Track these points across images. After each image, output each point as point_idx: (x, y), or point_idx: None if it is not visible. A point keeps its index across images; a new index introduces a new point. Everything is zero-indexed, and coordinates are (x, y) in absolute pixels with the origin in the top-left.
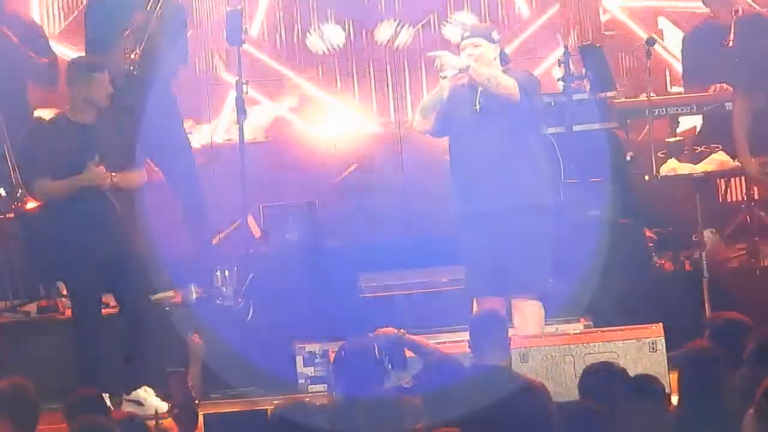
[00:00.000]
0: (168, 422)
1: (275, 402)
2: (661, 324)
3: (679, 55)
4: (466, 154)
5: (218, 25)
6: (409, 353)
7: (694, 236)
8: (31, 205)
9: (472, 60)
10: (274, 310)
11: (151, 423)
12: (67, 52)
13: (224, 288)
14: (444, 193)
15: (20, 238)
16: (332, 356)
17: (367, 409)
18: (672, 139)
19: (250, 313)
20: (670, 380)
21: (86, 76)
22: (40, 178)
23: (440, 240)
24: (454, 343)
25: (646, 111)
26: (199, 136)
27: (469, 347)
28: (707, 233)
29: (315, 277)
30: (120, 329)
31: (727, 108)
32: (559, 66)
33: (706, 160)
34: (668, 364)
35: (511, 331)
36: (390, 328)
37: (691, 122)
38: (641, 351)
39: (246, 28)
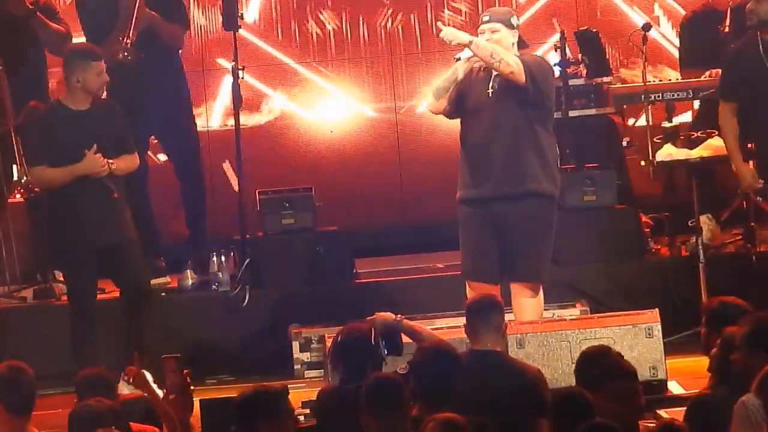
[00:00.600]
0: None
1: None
2: (657, 309)
3: (674, 40)
4: (477, 138)
5: (214, 11)
6: (406, 339)
7: (690, 222)
8: (32, 194)
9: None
10: (269, 295)
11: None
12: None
13: (220, 273)
14: (439, 178)
15: (30, 223)
16: (328, 341)
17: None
18: (668, 125)
19: (246, 298)
20: (666, 366)
21: (83, 65)
22: (37, 165)
23: (436, 225)
24: (450, 328)
25: (642, 96)
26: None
27: (466, 333)
28: (703, 219)
29: (311, 263)
30: (117, 314)
31: None
32: (556, 51)
33: (702, 145)
34: (664, 349)
35: (509, 317)
36: (388, 313)
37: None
38: (637, 336)
39: (242, 14)
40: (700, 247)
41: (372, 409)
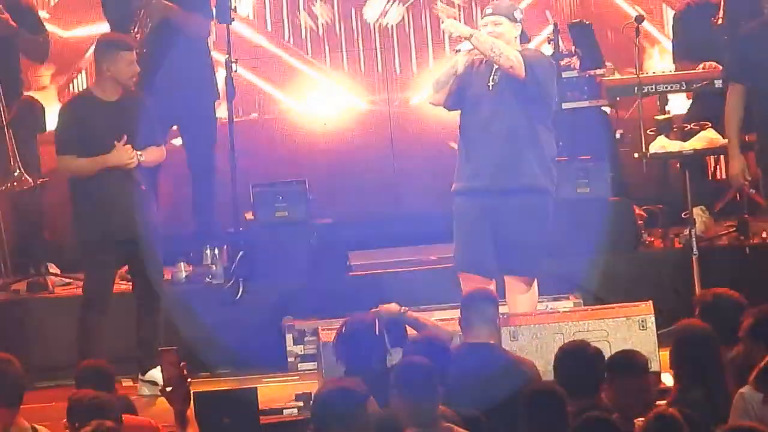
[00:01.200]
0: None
1: (264, 380)
2: (650, 301)
3: (668, 32)
4: (476, 131)
5: None
6: (410, 330)
7: (683, 214)
8: (26, 187)
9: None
10: (263, 288)
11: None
12: (57, 30)
13: (213, 266)
14: (433, 171)
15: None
16: (321, 334)
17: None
18: (661, 117)
19: (240, 291)
20: (660, 358)
21: (114, 54)
22: (66, 154)
23: (429, 218)
24: (444, 321)
25: (635, 89)
26: None
27: (459, 325)
28: (697, 211)
29: (304, 255)
30: (133, 309)
31: (716, 86)
32: (549, 43)
33: (695, 137)
34: (658, 341)
35: (503, 310)
36: (393, 305)
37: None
38: (631, 329)
39: (235, 6)
40: (694, 239)
41: (400, 392)
